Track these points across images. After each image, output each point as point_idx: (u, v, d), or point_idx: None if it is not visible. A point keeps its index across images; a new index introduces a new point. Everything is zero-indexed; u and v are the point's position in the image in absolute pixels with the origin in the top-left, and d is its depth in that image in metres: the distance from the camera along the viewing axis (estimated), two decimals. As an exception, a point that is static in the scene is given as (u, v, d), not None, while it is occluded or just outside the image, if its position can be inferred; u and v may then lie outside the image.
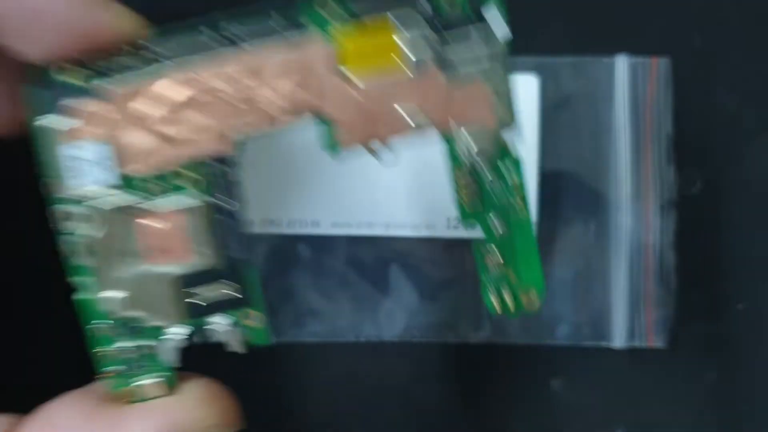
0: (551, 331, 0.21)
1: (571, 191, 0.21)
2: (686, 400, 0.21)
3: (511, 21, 0.22)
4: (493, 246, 0.15)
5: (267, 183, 0.21)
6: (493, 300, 0.15)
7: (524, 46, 0.22)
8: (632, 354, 0.21)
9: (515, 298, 0.15)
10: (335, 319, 0.21)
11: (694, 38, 0.22)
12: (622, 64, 0.21)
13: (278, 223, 0.21)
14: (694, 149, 0.22)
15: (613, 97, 0.21)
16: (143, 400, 0.14)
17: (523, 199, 0.15)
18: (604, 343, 0.21)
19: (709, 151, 0.22)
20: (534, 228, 0.15)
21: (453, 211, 0.15)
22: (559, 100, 0.21)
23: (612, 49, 0.22)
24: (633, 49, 0.22)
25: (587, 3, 0.22)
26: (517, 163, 0.15)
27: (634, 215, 0.21)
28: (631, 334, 0.21)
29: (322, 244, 0.21)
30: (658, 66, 0.21)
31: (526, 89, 0.21)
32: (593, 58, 0.22)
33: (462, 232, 0.21)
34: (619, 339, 0.21)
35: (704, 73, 0.22)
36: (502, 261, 0.15)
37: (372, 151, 0.14)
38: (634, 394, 0.22)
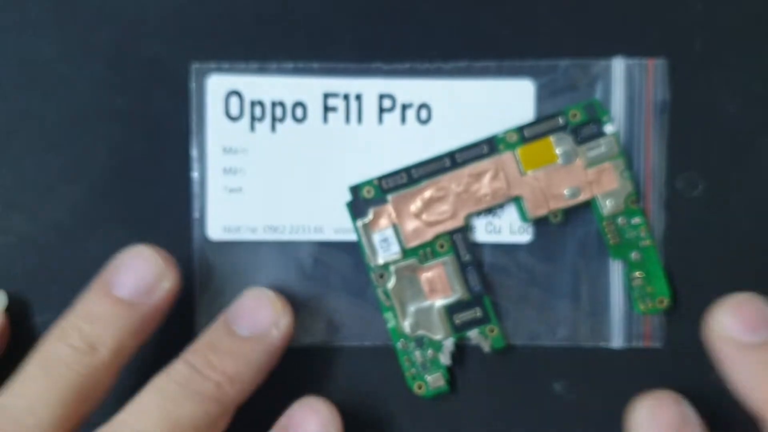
0: (551, 332, 0.22)
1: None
2: (689, 401, 0.21)
3: (509, 23, 0.22)
4: (635, 273, 0.21)
5: (270, 190, 0.22)
6: (640, 305, 0.21)
7: (521, 48, 0.22)
8: (635, 356, 0.21)
9: (653, 303, 0.21)
10: (340, 322, 0.22)
11: (694, 40, 0.22)
12: (618, 66, 0.21)
13: (282, 230, 0.22)
14: (696, 151, 0.22)
15: (611, 98, 0.22)
16: (429, 391, 0.21)
17: (647, 236, 0.21)
18: (603, 344, 0.21)
19: (710, 153, 0.22)
20: (659, 255, 0.21)
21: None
22: (556, 102, 0.21)
23: (612, 51, 0.22)
24: (633, 52, 0.22)
25: (585, 5, 0.22)
26: (638, 212, 0.21)
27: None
28: (629, 335, 0.21)
29: (326, 249, 0.22)
30: (655, 67, 0.21)
31: (521, 94, 0.21)
32: (590, 60, 0.22)
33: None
34: (617, 339, 0.21)
35: (705, 76, 0.22)
36: (641, 281, 0.21)
37: (553, 219, 0.21)
38: (637, 395, 0.21)
